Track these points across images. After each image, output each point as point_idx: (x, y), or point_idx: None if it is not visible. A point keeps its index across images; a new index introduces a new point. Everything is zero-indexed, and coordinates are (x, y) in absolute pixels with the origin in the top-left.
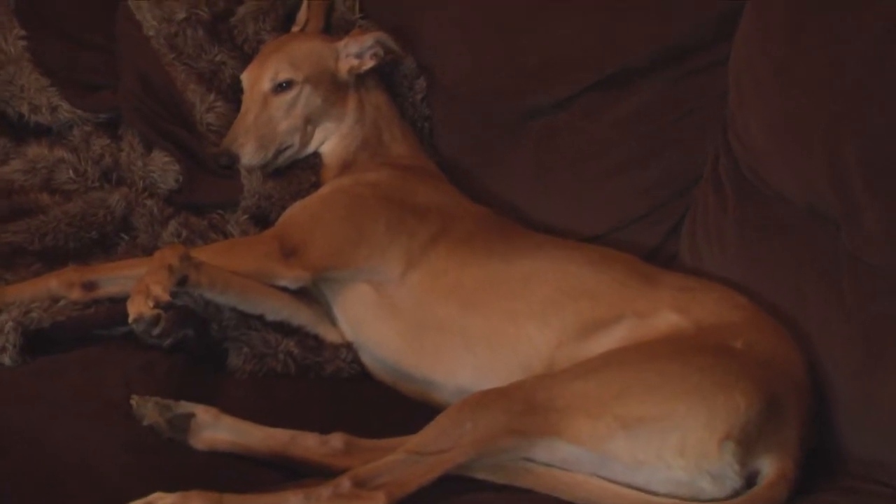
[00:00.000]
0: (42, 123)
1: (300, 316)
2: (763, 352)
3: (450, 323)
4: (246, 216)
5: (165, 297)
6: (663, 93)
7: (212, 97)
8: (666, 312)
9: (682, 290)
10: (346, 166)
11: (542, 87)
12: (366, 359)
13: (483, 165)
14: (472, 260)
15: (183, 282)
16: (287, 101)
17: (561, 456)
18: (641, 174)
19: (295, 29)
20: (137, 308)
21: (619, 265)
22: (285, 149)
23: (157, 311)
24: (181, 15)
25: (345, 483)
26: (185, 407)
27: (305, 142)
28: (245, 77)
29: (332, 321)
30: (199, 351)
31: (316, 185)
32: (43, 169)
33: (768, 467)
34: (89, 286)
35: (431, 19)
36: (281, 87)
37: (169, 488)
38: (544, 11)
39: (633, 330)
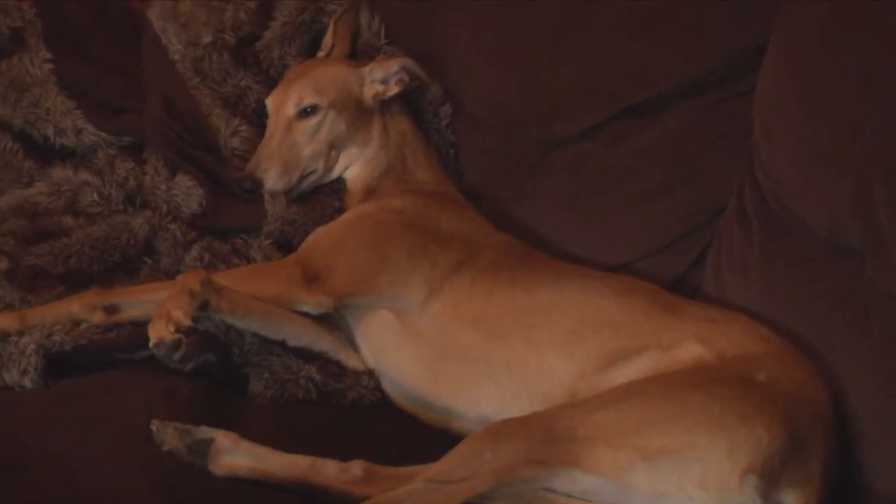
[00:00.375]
0: (67, 146)
1: (322, 342)
2: (786, 384)
3: (472, 351)
4: (269, 241)
5: (186, 322)
6: (689, 122)
7: (237, 122)
8: (689, 343)
9: (705, 321)
10: (370, 192)
11: (568, 115)
12: (387, 386)
13: (508, 193)
14: (496, 289)
15: (204, 306)
16: (311, 127)
17: (581, 486)
18: (667, 204)
19: (320, 54)
20: (158, 332)
21: (642, 295)
22: (309, 174)
23: (178, 335)
24: (207, 39)
25: None
26: (205, 432)
27: (329, 167)
28: (270, 102)
29: (354, 348)
30: (220, 376)
31: (340, 211)
32: (67, 192)
33: (791, 501)
34: (111, 310)
35: (458, 46)
36: (305, 113)
37: None
38: (571, 39)
39: (655, 361)
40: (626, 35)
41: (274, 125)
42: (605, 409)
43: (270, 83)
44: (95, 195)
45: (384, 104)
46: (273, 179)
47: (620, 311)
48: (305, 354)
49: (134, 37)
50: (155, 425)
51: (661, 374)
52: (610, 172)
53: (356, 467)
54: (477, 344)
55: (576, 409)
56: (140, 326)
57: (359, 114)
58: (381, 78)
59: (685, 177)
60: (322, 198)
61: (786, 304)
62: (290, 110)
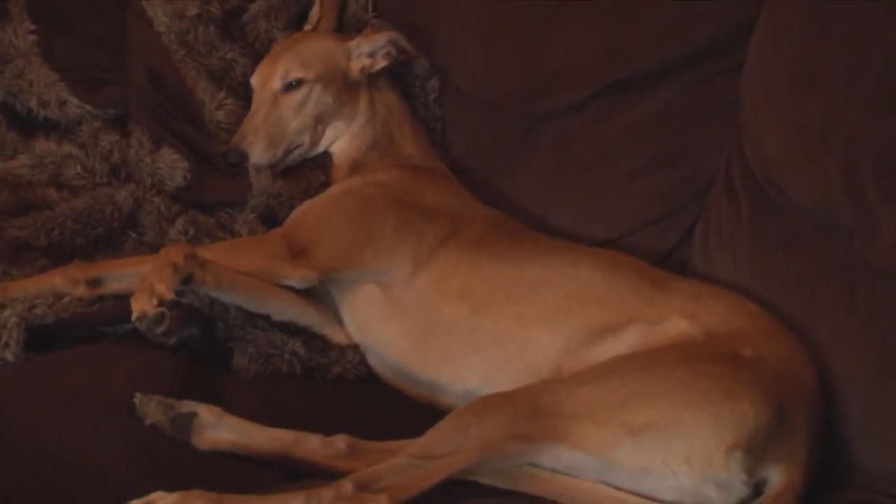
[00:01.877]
0: (50, 118)
1: (307, 316)
2: (773, 360)
3: (457, 325)
4: (254, 215)
5: (169, 295)
6: (677, 99)
7: (222, 95)
8: (676, 319)
9: (692, 296)
10: (357, 166)
11: (556, 91)
12: (372, 360)
13: (495, 168)
14: (482, 262)
15: (188, 280)
16: (297, 101)
17: (566, 462)
18: (655, 180)
19: (307, 27)
20: (141, 306)
21: (629, 271)
22: (295, 148)
23: (161, 309)
24: (193, 11)
25: (347, 486)
26: (189, 406)
27: (315, 141)
28: (256, 75)
29: (339, 322)
30: (203, 350)
31: (325, 185)
32: (51, 164)
33: (776, 477)
34: (94, 283)
35: (446, 20)
36: (291, 86)
37: (170, 488)
38: (559, 15)
39: (642, 336)
40: (614, 10)
41: (260, 99)
42: (590, 385)
43: (257, 56)
44: (79, 168)
45: (371, 78)
46: (258, 153)
47: (607, 285)
48: (290, 329)
49: (119, 9)
50: (138, 399)
51: (646, 349)
52: (597, 148)
53: (340, 442)
54: (462, 317)
55: (561, 384)
56: (123, 300)
57: (345, 88)
58: (368, 52)
59: (673, 152)
60: (308, 172)
61: (773, 280)
62: (276, 84)
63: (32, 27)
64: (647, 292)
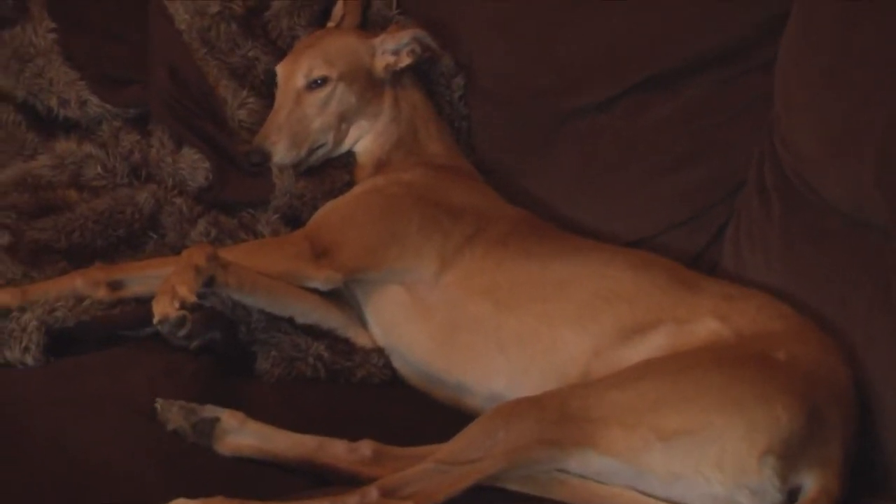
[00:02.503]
0: (71, 118)
1: (331, 319)
2: (806, 363)
3: (483, 324)
4: (277, 215)
5: (192, 298)
6: (708, 95)
7: (244, 93)
8: (707, 320)
9: (723, 297)
10: (381, 165)
11: (583, 88)
12: (397, 363)
13: (521, 166)
14: (508, 261)
15: (210, 282)
16: (321, 99)
17: (595, 468)
18: (684, 178)
19: (330, 24)
20: (163, 309)
21: (658, 270)
22: (318, 147)
23: (182, 312)
24: (214, 8)
25: (372, 492)
26: (211, 411)
27: (339, 140)
28: (279, 73)
29: (364, 325)
30: (226, 354)
31: (349, 185)
32: (71, 164)
33: (810, 483)
34: (115, 285)
35: (471, 16)
36: (315, 84)
37: (192, 494)
38: (586, 9)
39: (672, 337)
40: (642, 4)
41: (283, 97)
42: (619, 389)
43: (279, 54)
44: (100, 168)
45: (395, 76)
46: (281, 152)
47: (636, 284)
48: (314, 332)
49: (140, 6)
50: (159, 404)
51: (677, 351)
52: (626, 146)
53: (365, 447)
54: (488, 316)
55: (590, 388)
56: (144, 303)
57: (369, 86)
58: (392, 49)
59: (703, 150)
60: (332, 171)
61: (806, 281)
62: (300, 82)
63: (53, 25)
64: (678, 292)
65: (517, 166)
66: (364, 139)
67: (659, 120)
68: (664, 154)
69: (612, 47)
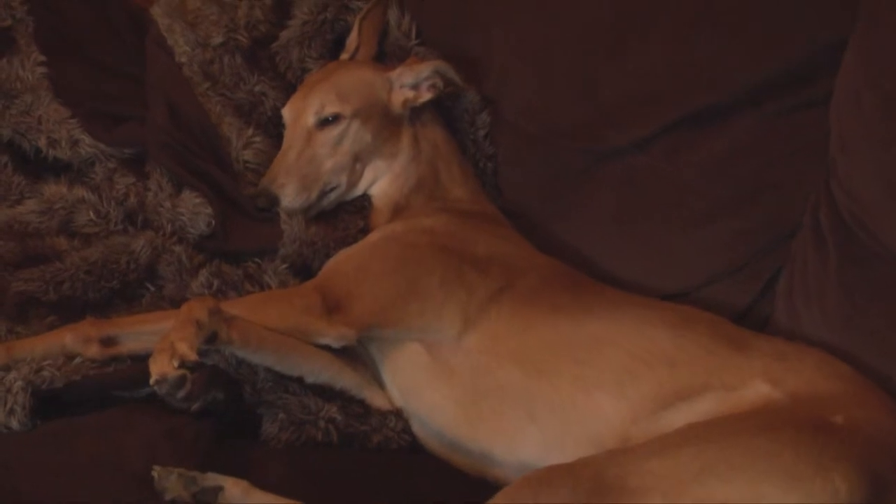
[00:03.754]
0: (61, 159)
1: (344, 378)
2: (867, 428)
3: (511, 390)
4: (285, 265)
5: (192, 356)
6: (758, 132)
7: (250, 131)
8: (757, 383)
9: (775, 357)
10: (399, 210)
11: (620, 125)
12: (417, 428)
13: (552, 211)
14: (538, 319)
15: (212, 339)
16: (333, 138)
17: None
18: (732, 224)
19: (344, 56)
20: (161, 368)
21: (703, 328)
22: (330, 190)
23: (182, 371)
24: (218, 40)
25: None
26: (213, 479)
27: (353, 182)
28: (287, 110)
29: (380, 385)
30: (229, 416)
31: (364, 232)
32: (60, 210)
33: None
34: (108, 342)
35: (498, 46)
36: (327, 122)
37: None
38: (623, 40)
39: (719, 403)
40: (684, 33)
41: (292, 136)
42: (660, 456)
43: (288, 89)
44: (92, 214)
45: (415, 112)
46: (290, 196)
47: (678, 345)
48: (325, 392)
49: (136, 37)
50: (157, 472)
51: (724, 417)
52: (667, 188)
53: None
54: (517, 381)
55: (627, 455)
56: (140, 361)
57: (386, 123)
58: (411, 83)
59: (752, 193)
60: (345, 217)
61: (867, 337)
62: (310, 119)
63: (42, 58)
64: (724, 353)
65: (547, 211)
66: (380, 181)
67: (703, 160)
68: (709, 198)
69: (652, 80)
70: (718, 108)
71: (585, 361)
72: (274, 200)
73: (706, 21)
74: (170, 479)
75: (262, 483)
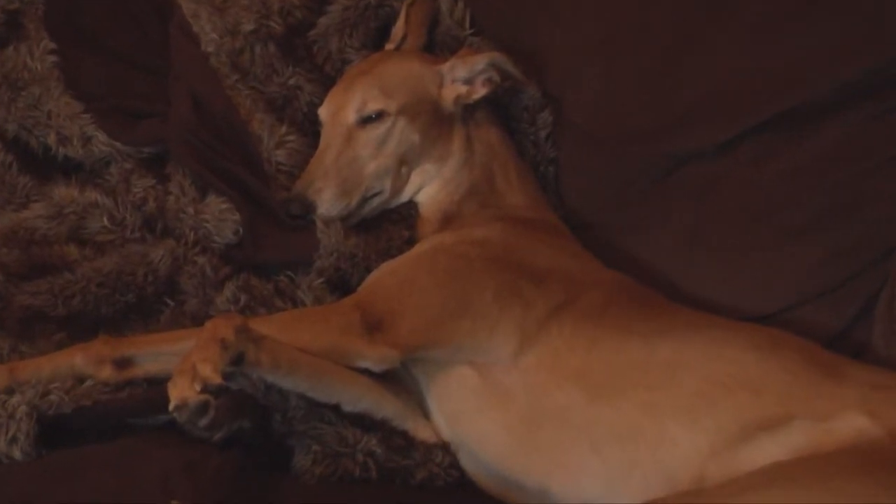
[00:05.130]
0: (72, 158)
1: (385, 407)
2: None
3: (572, 416)
4: (321, 280)
5: (217, 380)
6: (854, 135)
7: (283, 129)
8: (851, 414)
9: (873, 386)
10: (449, 219)
11: (698, 128)
12: (466, 462)
13: (621, 221)
14: (604, 339)
15: (239, 360)
16: (376, 137)
17: None
18: (823, 239)
19: (389, 46)
20: (181, 392)
21: (791, 352)
22: (373, 196)
23: (205, 396)
24: (249, 27)
25: None
26: None
27: (398, 188)
28: (325, 106)
29: (425, 414)
30: (256, 447)
31: (410, 243)
32: (71, 215)
33: None
34: (123, 363)
35: (561, 39)
36: (369, 120)
37: None
38: (702, 32)
39: (807, 435)
40: (772, 26)
41: (330, 135)
42: (742, 499)
43: (326, 82)
44: (106, 220)
45: (468, 110)
46: (328, 202)
47: (762, 369)
48: (364, 422)
49: (159, 24)
50: None
51: (813, 453)
52: (751, 199)
53: None
54: (578, 406)
55: (702, 497)
56: (158, 385)
57: (436, 121)
58: (464, 77)
59: (847, 205)
60: (388, 226)
61: None
62: (351, 116)
63: (52, 46)
64: (815, 380)
65: (615, 222)
66: (429, 187)
67: (792, 167)
68: (798, 209)
69: (734, 78)
70: (808, 109)
71: (656, 386)
72: (309, 207)
73: (794, 13)
74: None
75: None
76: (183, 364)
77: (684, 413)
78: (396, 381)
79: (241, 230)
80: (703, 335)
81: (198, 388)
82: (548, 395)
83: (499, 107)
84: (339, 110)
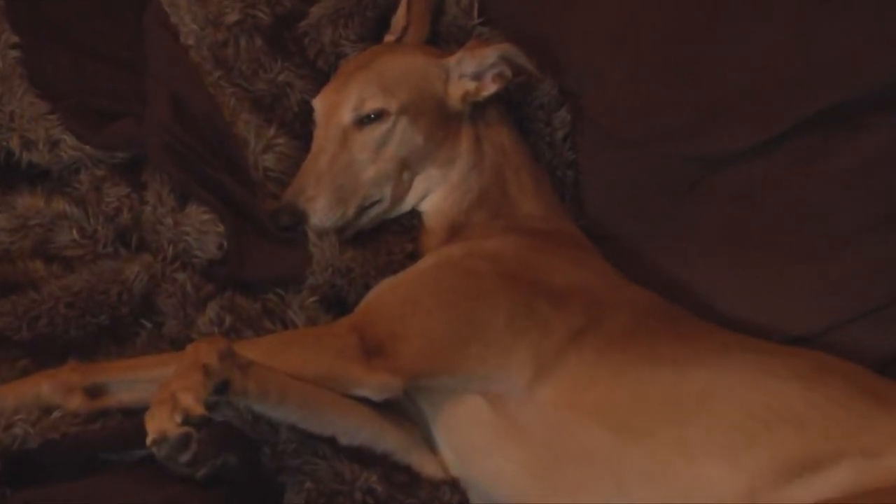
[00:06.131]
0: (37, 164)
1: (386, 439)
2: None
3: (596, 455)
4: (314, 298)
5: (199, 410)
6: None
7: (271, 131)
8: None
9: None
10: (456, 230)
11: (734, 126)
12: (477, 502)
13: (649, 232)
14: (630, 367)
15: (224, 389)
16: (375, 139)
17: None
18: (875, 251)
19: (389, 38)
20: (160, 425)
21: (838, 380)
22: (371, 205)
23: (186, 429)
24: (233, 17)
25: None
26: None
27: (400, 195)
28: (319, 105)
29: (431, 448)
30: (244, 485)
31: (413, 257)
32: (37, 227)
33: None
34: (94, 392)
35: (579, 29)
36: (368, 120)
37: None
38: (739, 21)
39: (858, 474)
40: (816, 14)
41: (324, 137)
42: None
43: (319, 78)
44: (75, 232)
45: (477, 108)
46: (321, 212)
47: (807, 400)
48: (363, 456)
49: (134, 13)
50: None
51: (864, 493)
52: (791, 205)
53: None
54: (603, 444)
55: None
56: (134, 416)
57: (441, 121)
58: (472, 72)
59: None
60: (389, 238)
61: None
62: (347, 117)
63: (15, 39)
64: (865, 411)
65: (641, 232)
66: (433, 194)
67: (839, 169)
68: (846, 216)
69: (775, 72)
70: (857, 104)
71: (689, 420)
72: (301, 217)
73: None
74: None
75: None
76: (161, 393)
77: (721, 450)
78: (399, 411)
79: (225, 244)
80: (740, 362)
81: (178, 419)
82: (567, 432)
83: (511, 105)
84: (333, 110)
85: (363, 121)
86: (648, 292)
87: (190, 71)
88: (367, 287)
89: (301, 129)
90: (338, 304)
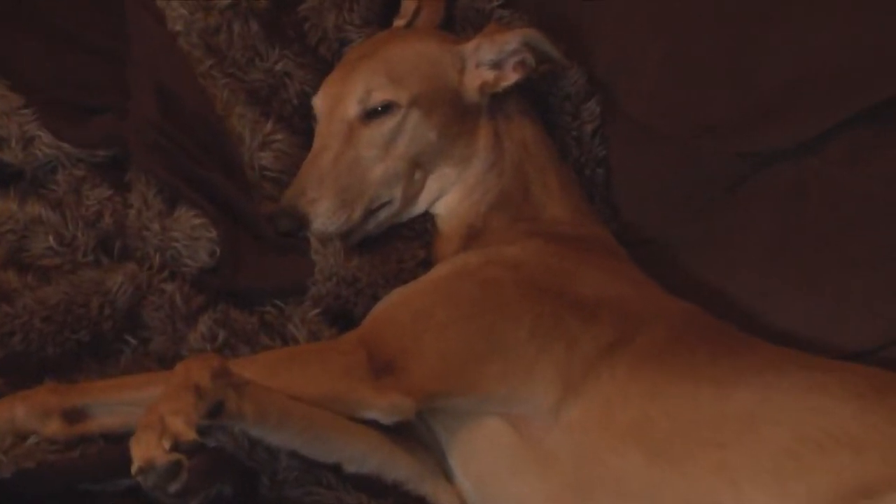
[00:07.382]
0: (10, 164)
1: (397, 467)
2: None
3: (629, 481)
4: (317, 310)
5: (190, 435)
6: None
7: (269, 126)
8: None
9: None
10: (474, 235)
11: (784, 120)
12: None
13: (688, 238)
14: (666, 386)
15: (217, 411)
16: (384, 135)
17: None
18: None
19: (398, 23)
20: (146, 451)
21: None
22: (380, 207)
23: (176, 456)
24: (226, 0)
25: None
26: None
27: (411, 197)
28: (320, 97)
29: (447, 476)
30: None
31: (426, 265)
32: (9, 234)
33: None
34: (74, 415)
35: (612, 11)
36: (375, 113)
37: None
38: (787, 10)
39: None
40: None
41: (326, 132)
42: None
43: (321, 68)
44: (52, 239)
45: (496, 100)
46: (324, 215)
47: (864, 422)
48: (372, 486)
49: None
50: None
51: None
52: (845, 207)
53: None
54: (636, 469)
55: None
56: (118, 442)
57: (457, 115)
58: (491, 59)
59: None
60: (399, 244)
61: None
62: (352, 110)
63: None
64: None
65: (681, 237)
66: (448, 196)
67: None
68: None
69: (823, 63)
70: None
71: (732, 443)
72: (302, 221)
73: None
74: None
75: None
76: (148, 416)
77: (767, 476)
78: (411, 435)
79: (217, 251)
80: (789, 379)
81: (167, 445)
82: (598, 457)
83: (534, 97)
84: (337, 102)
85: (370, 114)
86: (686, 304)
87: (178, 60)
88: (376, 298)
89: (301, 123)
90: (343, 318)
